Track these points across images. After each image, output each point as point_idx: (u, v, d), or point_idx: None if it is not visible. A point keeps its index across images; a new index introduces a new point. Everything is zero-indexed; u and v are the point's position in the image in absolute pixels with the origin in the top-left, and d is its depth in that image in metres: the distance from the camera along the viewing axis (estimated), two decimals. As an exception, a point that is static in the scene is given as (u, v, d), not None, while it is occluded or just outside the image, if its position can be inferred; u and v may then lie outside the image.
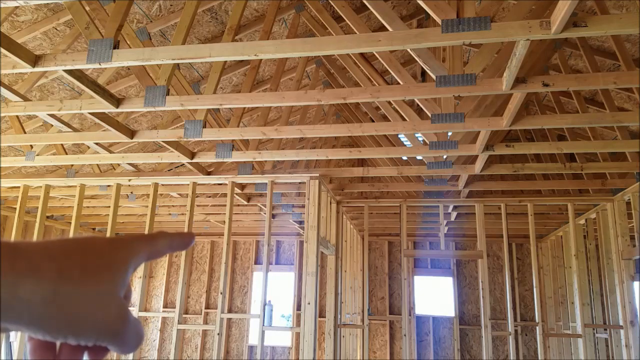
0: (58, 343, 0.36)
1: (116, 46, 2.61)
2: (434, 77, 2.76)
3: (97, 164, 5.19)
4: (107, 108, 3.14)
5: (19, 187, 5.30)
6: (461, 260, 8.55)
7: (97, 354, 0.36)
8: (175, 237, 0.40)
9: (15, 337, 4.96)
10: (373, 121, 5.95)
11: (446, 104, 3.27)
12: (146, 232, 3.97)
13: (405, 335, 5.28)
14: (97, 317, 0.32)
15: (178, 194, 6.01)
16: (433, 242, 8.64)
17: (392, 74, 3.21)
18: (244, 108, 4.25)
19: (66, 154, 4.79)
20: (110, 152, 4.58)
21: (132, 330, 0.35)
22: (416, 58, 2.68)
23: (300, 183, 5.16)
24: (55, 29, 3.89)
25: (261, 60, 4.48)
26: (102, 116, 3.50)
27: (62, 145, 4.73)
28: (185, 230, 4.66)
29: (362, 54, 3.79)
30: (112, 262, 0.35)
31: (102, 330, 0.33)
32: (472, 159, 4.41)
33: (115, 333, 0.34)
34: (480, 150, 3.75)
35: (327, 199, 5.21)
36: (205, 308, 8.77)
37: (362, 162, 7.97)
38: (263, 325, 4.35)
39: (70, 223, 5.73)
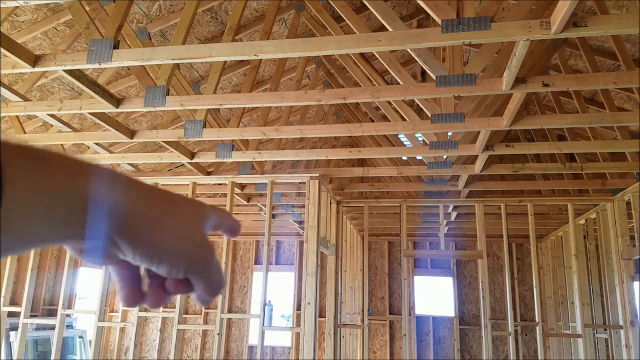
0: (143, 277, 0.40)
1: (116, 46, 2.61)
2: (434, 77, 2.76)
3: (97, 164, 5.18)
4: (107, 108, 3.14)
5: None
6: (461, 260, 8.54)
7: (178, 288, 0.39)
8: (229, 225, 0.44)
9: (15, 337, 4.96)
10: (373, 121, 5.95)
11: (446, 104, 3.27)
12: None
13: (405, 335, 5.28)
14: (184, 250, 0.36)
15: (178, 194, 6.00)
16: (433, 242, 8.64)
17: (392, 74, 3.21)
18: (244, 108, 4.25)
19: (66, 154, 4.78)
20: (110, 152, 4.58)
21: (216, 267, 0.39)
22: (416, 58, 2.68)
23: (300, 183, 5.16)
24: (55, 29, 3.89)
25: (261, 60, 4.48)
26: (102, 116, 3.50)
27: (62, 145, 4.73)
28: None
29: (362, 54, 3.79)
30: (197, 211, 0.39)
31: (189, 260, 0.37)
32: (472, 159, 4.41)
33: (205, 262, 0.38)
34: (480, 150, 3.75)
35: (327, 199, 5.21)
36: (205, 308, 8.77)
37: (362, 162, 7.97)
38: (263, 325, 4.35)
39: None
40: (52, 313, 7.21)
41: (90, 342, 7.64)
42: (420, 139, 4.33)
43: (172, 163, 6.09)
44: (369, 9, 3.68)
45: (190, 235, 0.37)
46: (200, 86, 4.95)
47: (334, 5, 3.27)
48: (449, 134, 3.82)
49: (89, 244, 0.34)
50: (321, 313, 7.67)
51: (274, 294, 9.09)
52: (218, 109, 4.63)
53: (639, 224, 4.58)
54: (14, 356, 5.00)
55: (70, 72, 2.78)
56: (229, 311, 8.68)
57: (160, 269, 0.36)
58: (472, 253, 7.78)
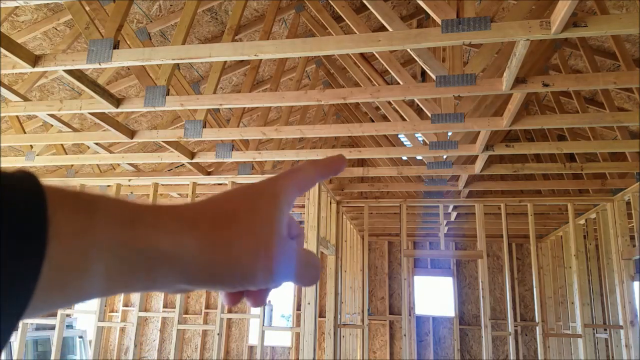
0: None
1: (116, 46, 2.61)
2: (434, 77, 2.76)
3: (97, 164, 5.19)
4: (107, 108, 3.14)
5: None
6: (461, 260, 8.54)
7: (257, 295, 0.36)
8: (323, 163, 0.39)
9: (15, 337, 4.96)
10: (373, 121, 5.95)
11: (446, 104, 3.27)
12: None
13: (405, 335, 5.28)
14: (265, 259, 0.32)
15: (178, 194, 6.01)
16: (433, 242, 8.64)
17: (392, 74, 3.21)
18: (244, 108, 4.25)
19: (66, 154, 4.79)
20: (110, 152, 4.58)
21: (303, 263, 0.34)
22: (416, 58, 2.68)
23: (300, 183, 5.14)
24: (55, 29, 3.89)
25: (261, 60, 4.48)
26: (102, 116, 3.50)
27: (62, 145, 4.73)
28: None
29: (362, 54, 3.78)
30: (263, 203, 0.34)
31: (274, 270, 0.32)
32: (472, 159, 4.41)
33: (288, 270, 0.33)
34: (480, 150, 3.75)
35: (327, 199, 5.20)
36: (205, 308, 8.76)
37: (362, 162, 7.96)
38: (263, 325, 4.35)
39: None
40: (52, 313, 7.20)
41: (90, 342, 7.64)
42: (420, 139, 4.33)
43: (172, 163, 6.09)
44: (369, 9, 3.68)
45: (252, 255, 0.32)
46: (200, 86, 4.95)
47: (334, 5, 3.27)
48: (449, 134, 3.82)
49: (157, 289, 0.31)
50: (321, 313, 7.67)
51: (274, 294, 9.09)
52: (218, 109, 4.63)
53: (639, 224, 4.58)
54: (14, 356, 5.00)
55: (70, 72, 2.78)
56: (229, 311, 8.67)
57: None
58: (472, 253, 7.78)
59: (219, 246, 0.31)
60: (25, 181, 0.25)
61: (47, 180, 0.32)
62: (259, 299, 0.36)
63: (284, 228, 0.34)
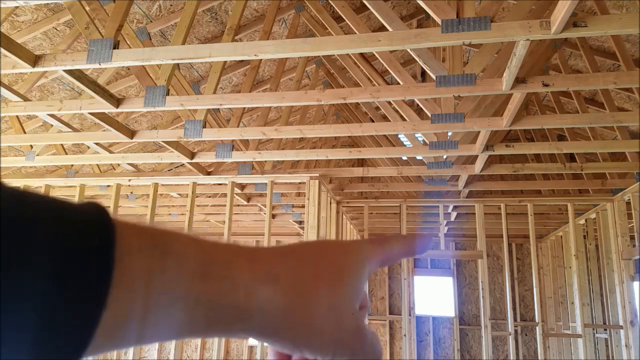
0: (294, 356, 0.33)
1: (116, 46, 2.61)
2: (434, 77, 2.76)
3: (97, 164, 5.18)
4: (107, 108, 3.14)
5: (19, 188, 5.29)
6: (461, 260, 8.54)
7: None
8: (410, 242, 0.36)
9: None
10: (373, 121, 5.95)
11: (446, 104, 3.27)
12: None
13: (405, 335, 5.28)
14: (334, 330, 0.29)
15: (178, 194, 6.01)
16: (433, 242, 8.62)
17: (392, 74, 3.21)
18: (244, 108, 4.25)
19: (66, 154, 4.79)
20: (110, 152, 4.57)
21: (368, 347, 0.31)
22: (416, 58, 2.68)
23: (300, 183, 5.16)
24: (55, 29, 3.89)
25: (261, 60, 4.48)
26: (102, 116, 3.50)
27: (62, 145, 4.73)
28: (186, 228, 4.65)
29: (362, 54, 3.79)
30: (346, 269, 0.31)
31: (339, 344, 0.30)
32: (472, 159, 4.41)
33: (352, 348, 0.30)
34: (480, 150, 3.75)
35: (327, 199, 5.20)
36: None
37: (362, 162, 7.97)
38: (263, 325, 4.35)
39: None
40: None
41: (90, 342, 7.63)
42: (420, 139, 4.33)
43: (172, 163, 6.09)
44: (369, 9, 3.68)
45: (330, 321, 0.29)
46: (200, 86, 4.95)
47: (334, 5, 3.27)
48: (449, 134, 3.82)
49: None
50: (321, 313, 7.66)
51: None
52: (218, 109, 4.63)
53: (639, 224, 4.58)
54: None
55: (70, 72, 2.78)
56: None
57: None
58: (472, 253, 7.78)
59: (299, 309, 0.28)
60: (91, 215, 0.22)
61: (120, 216, 0.29)
62: None
63: (358, 300, 0.32)
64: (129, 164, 4.84)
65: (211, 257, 0.27)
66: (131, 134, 3.82)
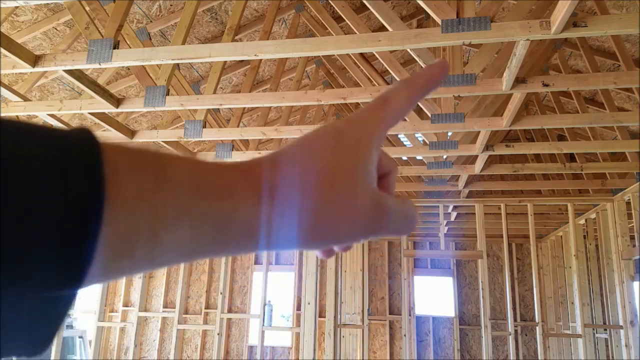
0: None
1: (116, 46, 2.61)
2: (434, 77, 2.76)
3: (97, 164, 5.18)
4: (107, 108, 3.15)
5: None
6: (461, 260, 8.55)
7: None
8: (419, 82, 0.32)
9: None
10: (373, 121, 5.94)
11: (446, 104, 3.27)
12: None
13: (405, 335, 5.28)
14: (351, 213, 0.28)
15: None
16: (433, 242, 8.64)
17: (392, 74, 3.21)
18: (244, 108, 4.25)
19: (66, 154, 4.78)
20: (110, 152, 4.57)
21: (395, 219, 0.30)
22: (416, 58, 2.68)
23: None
24: (55, 29, 3.89)
25: (261, 60, 4.48)
26: (102, 116, 3.50)
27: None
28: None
29: (362, 54, 3.79)
30: (345, 159, 0.29)
31: (362, 228, 0.29)
32: (472, 159, 4.41)
33: (376, 228, 0.29)
34: (480, 150, 3.75)
35: (327, 199, 5.20)
36: (205, 308, 8.77)
37: (362, 162, 7.95)
38: (263, 325, 4.35)
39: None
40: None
41: (90, 342, 7.64)
42: (420, 139, 4.33)
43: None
44: (369, 9, 3.68)
45: (348, 209, 0.28)
46: (200, 86, 4.95)
47: (334, 5, 3.27)
48: (449, 134, 3.82)
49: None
50: (321, 313, 7.67)
51: (274, 294, 9.09)
52: (218, 109, 4.63)
53: (639, 224, 4.58)
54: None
55: (70, 72, 2.78)
56: (229, 311, 8.67)
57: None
58: (472, 253, 7.78)
59: (308, 212, 0.27)
60: (75, 137, 0.22)
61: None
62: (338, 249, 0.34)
63: (374, 177, 0.30)
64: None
65: (207, 174, 0.26)
66: (131, 134, 3.82)
